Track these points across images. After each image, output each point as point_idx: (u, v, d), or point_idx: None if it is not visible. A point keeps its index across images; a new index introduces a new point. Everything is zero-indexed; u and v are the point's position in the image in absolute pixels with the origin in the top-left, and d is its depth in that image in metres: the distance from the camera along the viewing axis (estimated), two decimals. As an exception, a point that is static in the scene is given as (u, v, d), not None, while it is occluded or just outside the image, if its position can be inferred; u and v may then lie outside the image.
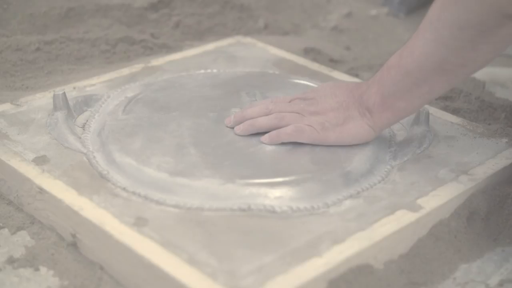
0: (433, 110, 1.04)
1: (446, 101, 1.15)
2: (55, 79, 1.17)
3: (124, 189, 0.83)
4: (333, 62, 1.33)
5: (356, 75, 1.23)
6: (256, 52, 1.23)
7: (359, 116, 0.89)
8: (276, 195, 0.82)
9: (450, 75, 0.81)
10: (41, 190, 0.84)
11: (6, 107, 1.01)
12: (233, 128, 0.94)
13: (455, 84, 0.84)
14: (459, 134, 0.98)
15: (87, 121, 0.99)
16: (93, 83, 1.09)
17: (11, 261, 0.80)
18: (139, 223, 0.78)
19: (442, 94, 0.88)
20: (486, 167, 0.90)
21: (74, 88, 1.07)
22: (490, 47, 0.78)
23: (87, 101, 1.03)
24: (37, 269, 0.79)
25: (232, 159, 0.88)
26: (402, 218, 0.80)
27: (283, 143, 0.91)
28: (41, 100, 1.04)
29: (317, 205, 0.81)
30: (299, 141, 0.90)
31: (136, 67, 1.15)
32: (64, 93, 0.98)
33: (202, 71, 1.14)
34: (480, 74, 1.35)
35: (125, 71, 1.13)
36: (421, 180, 0.87)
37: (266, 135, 0.91)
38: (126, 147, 0.89)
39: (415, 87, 0.84)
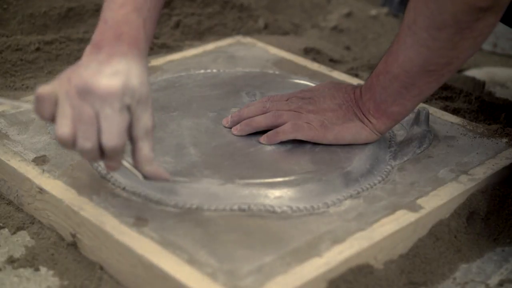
0: (433, 110, 1.04)
1: (446, 101, 1.15)
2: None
3: (124, 189, 0.83)
4: (333, 62, 1.33)
5: (356, 75, 1.23)
6: (256, 52, 1.23)
7: (358, 120, 0.89)
8: (276, 195, 0.82)
9: (436, 75, 0.82)
10: (41, 190, 0.84)
11: (6, 107, 1.01)
12: (231, 128, 0.94)
13: (444, 82, 0.84)
14: (459, 134, 0.98)
15: (87, 121, 0.99)
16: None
17: (11, 261, 0.80)
18: (139, 223, 0.78)
19: (432, 93, 0.88)
20: (486, 167, 0.90)
21: (74, 88, 1.07)
22: (471, 42, 0.78)
23: (87, 101, 1.03)
24: (37, 269, 0.79)
25: (232, 159, 0.88)
26: (402, 218, 0.80)
27: (282, 143, 0.91)
28: (41, 100, 1.04)
29: (317, 205, 0.81)
30: (297, 138, 0.90)
31: (136, 67, 1.15)
32: (64, 93, 0.98)
33: (202, 71, 1.14)
34: (480, 74, 1.35)
35: (125, 71, 1.13)
36: (421, 180, 0.87)
37: (264, 135, 0.91)
38: (126, 147, 0.89)
39: (405, 91, 0.84)
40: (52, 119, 0.71)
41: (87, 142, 0.70)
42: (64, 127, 0.69)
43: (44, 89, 0.71)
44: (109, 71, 0.70)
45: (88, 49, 0.75)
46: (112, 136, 0.70)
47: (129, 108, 0.71)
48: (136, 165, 0.74)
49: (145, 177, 0.75)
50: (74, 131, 0.70)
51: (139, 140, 0.72)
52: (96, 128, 0.70)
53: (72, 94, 0.70)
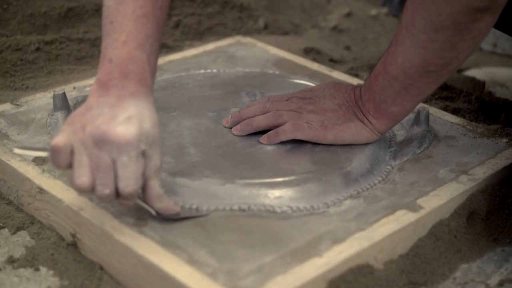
0: (433, 110, 1.04)
1: (446, 101, 1.15)
2: (55, 79, 1.17)
3: (124, 189, 0.83)
4: (333, 62, 1.33)
5: (356, 75, 1.23)
6: (256, 52, 1.23)
7: (358, 120, 0.89)
8: (276, 195, 0.82)
9: (435, 75, 0.82)
10: (41, 190, 0.84)
11: (6, 107, 1.02)
12: (231, 128, 0.94)
13: (443, 82, 0.85)
14: (459, 134, 0.98)
15: (87, 121, 0.99)
16: (93, 83, 1.09)
17: (11, 261, 0.80)
18: (139, 223, 0.78)
19: (432, 93, 0.88)
20: (486, 167, 0.90)
21: (74, 88, 1.07)
22: (469, 43, 0.78)
23: (87, 101, 1.03)
24: (37, 269, 0.79)
25: (232, 159, 0.88)
26: (402, 218, 0.80)
27: (282, 143, 0.91)
28: (41, 100, 1.04)
29: (317, 205, 0.81)
30: (297, 138, 0.90)
31: (136, 67, 1.14)
32: (64, 93, 0.98)
33: (202, 71, 1.14)
34: (480, 74, 1.35)
35: (125, 71, 1.13)
36: (421, 180, 0.87)
37: (265, 135, 0.91)
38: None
39: (404, 91, 0.84)
40: (69, 167, 0.72)
41: (105, 189, 0.71)
42: (82, 176, 0.70)
43: (59, 140, 0.71)
44: (122, 117, 0.71)
45: (95, 88, 0.75)
46: (129, 182, 0.71)
47: (144, 153, 0.72)
48: (147, 201, 0.76)
49: (157, 212, 0.77)
50: (92, 179, 0.71)
51: (149, 179, 0.74)
52: (113, 175, 0.71)
53: (88, 144, 0.70)
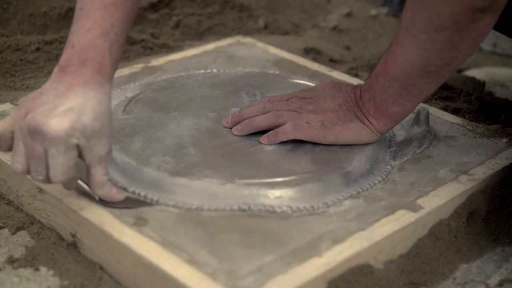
0: (433, 110, 1.04)
1: (446, 101, 1.15)
2: (55, 79, 1.17)
3: (124, 189, 0.83)
4: (333, 62, 1.33)
5: (356, 75, 1.23)
6: (256, 52, 1.23)
7: (359, 120, 0.89)
8: (276, 195, 0.82)
9: (436, 75, 0.82)
10: (41, 190, 0.84)
11: (6, 107, 1.01)
12: (231, 128, 0.94)
13: (443, 82, 0.85)
14: (459, 134, 0.98)
15: (87, 121, 0.99)
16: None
17: (11, 261, 0.80)
18: (139, 223, 0.78)
19: (432, 93, 0.88)
20: (486, 167, 0.90)
21: (74, 88, 1.07)
22: (470, 42, 0.78)
23: (87, 101, 1.03)
24: (37, 269, 0.79)
25: (232, 159, 0.88)
26: (402, 218, 0.80)
27: (282, 143, 0.91)
28: (41, 100, 1.04)
29: (317, 205, 0.81)
30: (297, 138, 0.90)
31: (136, 67, 1.15)
32: (64, 93, 0.98)
33: (202, 71, 1.14)
34: (480, 74, 1.35)
35: (125, 71, 1.13)
36: (421, 180, 0.87)
37: (265, 135, 0.91)
38: (126, 147, 0.89)
39: (405, 92, 0.84)
40: (10, 150, 0.77)
41: (38, 176, 0.75)
42: (17, 163, 0.75)
43: (0, 126, 0.76)
44: (61, 109, 0.73)
45: (55, 72, 0.77)
46: (57, 173, 0.74)
47: (78, 146, 0.74)
48: (90, 187, 0.79)
49: (100, 198, 0.80)
50: (26, 166, 0.75)
51: (91, 167, 0.77)
52: (45, 163, 0.74)
53: (24, 133, 0.74)
